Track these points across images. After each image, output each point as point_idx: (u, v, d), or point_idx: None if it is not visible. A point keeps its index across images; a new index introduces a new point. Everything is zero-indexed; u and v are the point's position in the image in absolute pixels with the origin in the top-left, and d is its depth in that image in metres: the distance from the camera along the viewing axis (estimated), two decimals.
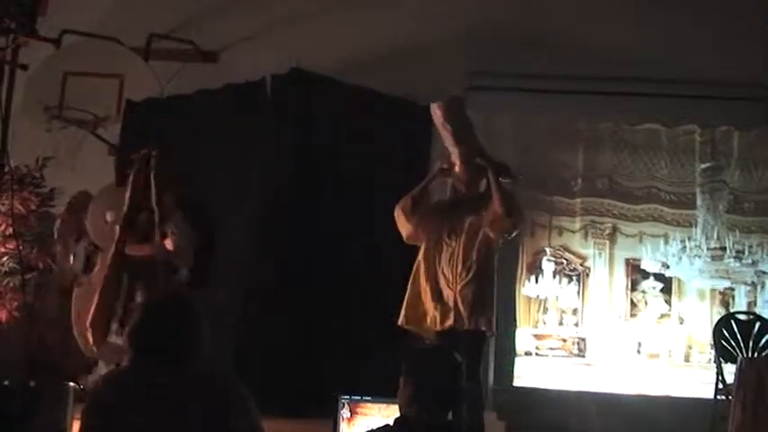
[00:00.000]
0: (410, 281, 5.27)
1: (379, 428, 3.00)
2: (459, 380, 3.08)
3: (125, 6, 7.49)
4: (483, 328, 5.06)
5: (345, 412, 4.78)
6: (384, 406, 4.63)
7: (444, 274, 5.13)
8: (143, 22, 7.41)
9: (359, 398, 4.80)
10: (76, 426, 4.41)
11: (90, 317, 5.60)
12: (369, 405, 4.79)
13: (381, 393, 4.52)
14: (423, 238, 5.26)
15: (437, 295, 5.13)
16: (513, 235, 5.26)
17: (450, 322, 5.04)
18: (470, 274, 5.05)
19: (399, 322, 5.23)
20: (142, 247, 5.71)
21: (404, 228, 5.26)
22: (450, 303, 5.06)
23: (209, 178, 6.82)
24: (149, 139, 6.35)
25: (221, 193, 6.78)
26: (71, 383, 4.94)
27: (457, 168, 5.30)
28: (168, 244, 5.62)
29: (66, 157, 6.85)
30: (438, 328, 5.06)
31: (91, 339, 5.59)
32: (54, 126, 7.10)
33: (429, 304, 5.14)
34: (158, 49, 7.45)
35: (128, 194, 5.81)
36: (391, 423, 3.01)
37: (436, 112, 5.35)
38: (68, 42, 7.30)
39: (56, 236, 6.27)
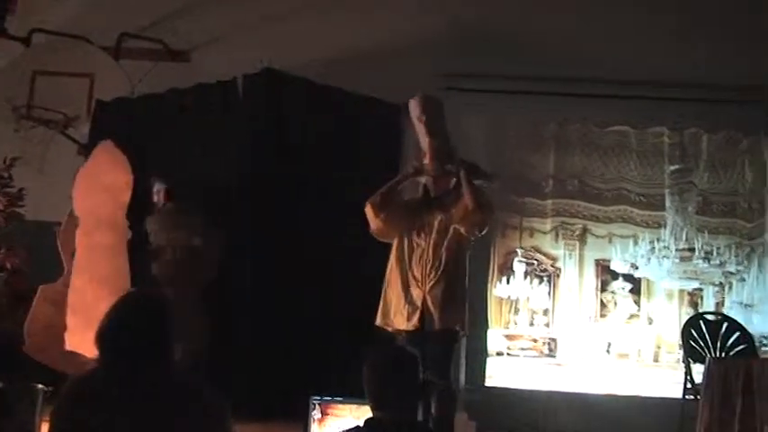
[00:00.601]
0: (385, 281, 5.27)
1: (349, 430, 3.00)
2: (418, 378, 3.07)
3: (95, 5, 7.44)
4: (456, 328, 5.06)
5: (317, 413, 4.77)
6: (355, 407, 4.63)
7: (414, 274, 5.12)
8: (113, 21, 7.36)
9: (330, 399, 4.80)
10: (45, 428, 4.38)
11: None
12: (340, 406, 4.79)
13: (353, 394, 4.52)
14: (392, 235, 5.25)
15: (407, 295, 5.12)
16: (484, 231, 5.25)
17: (416, 322, 5.03)
18: (439, 273, 5.05)
19: (377, 323, 5.22)
20: None
21: (373, 222, 5.25)
22: (419, 303, 5.05)
23: (179, 178, 6.77)
24: (119, 139, 6.33)
25: (193, 192, 6.74)
26: (39, 385, 4.89)
27: (427, 162, 5.29)
28: None
29: (34, 157, 6.80)
30: (409, 327, 5.06)
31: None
32: (23, 126, 7.03)
33: (400, 304, 5.13)
34: (129, 49, 7.41)
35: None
36: (361, 424, 3.01)
37: (413, 104, 5.36)
38: (38, 41, 7.25)
39: (59, 245, 6.18)
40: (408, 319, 5.05)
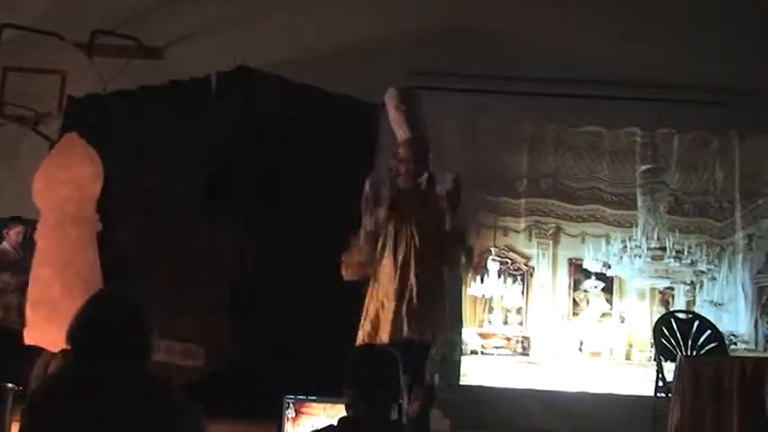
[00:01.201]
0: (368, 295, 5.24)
1: (323, 429, 3.00)
2: (396, 378, 3.08)
3: (68, 1, 7.37)
4: (429, 339, 5.05)
5: (290, 412, 4.75)
6: (329, 406, 4.60)
7: (395, 288, 5.10)
8: (86, 18, 7.30)
9: (304, 397, 4.78)
10: (15, 428, 4.34)
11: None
12: (314, 405, 4.76)
13: (327, 393, 4.51)
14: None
15: (390, 308, 5.10)
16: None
17: (394, 337, 5.02)
18: (415, 290, 5.04)
19: (358, 341, 5.18)
20: None
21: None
22: (402, 315, 5.04)
23: (151, 176, 6.75)
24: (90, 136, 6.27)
25: (166, 190, 6.72)
26: (9, 384, 4.83)
27: (401, 153, 5.27)
28: None
29: (5, 153, 6.73)
30: (393, 339, 5.05)
31: None
32: None
33: (384, 318, 5.12)
34: (102, 45, 7.35)
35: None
36: (335, 423, 3.01)
37: (392, 94, 5.35)
38: (8, 37, 7.17)
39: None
40: (392, 332, 5.04)
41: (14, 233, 6.63)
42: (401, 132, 5.27)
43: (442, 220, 5.07)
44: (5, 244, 6.67)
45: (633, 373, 7.00)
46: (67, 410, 2.48)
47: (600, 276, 7.27)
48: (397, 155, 5.24)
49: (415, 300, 5.01)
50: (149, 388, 2.58)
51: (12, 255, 6.63)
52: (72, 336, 2.63)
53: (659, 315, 6.73)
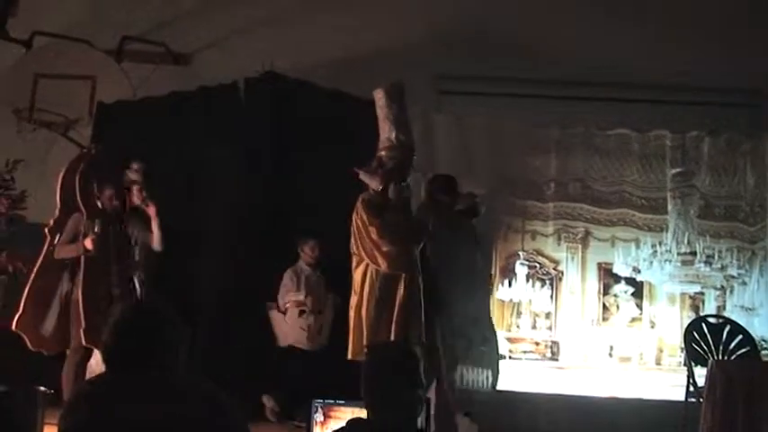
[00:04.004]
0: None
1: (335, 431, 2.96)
2: (418, 378, 2.90)
3: (97, 9, 7.45)
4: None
5: (319, 416, 4.76)
6: (358, 409, 4.61)
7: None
8: (115, 25, 7.38)
9: (332, 401, 4.79)
10: (47, 431, 4.38)
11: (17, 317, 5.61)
12: (342, 408, 4.77)
13: (356, 397, 4.51)
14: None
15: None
16: None
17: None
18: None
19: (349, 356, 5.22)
20: (69, 248, 5.63)
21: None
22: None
23: (182, 180, 6.80)
24: (121, 142, 6.33)
25: (197, 194, 6.77)
26: (41, 388, 4.88)
27: (383, 154, 5.31)
28: (88, 244, 5.53)
29: (36, 159, 6.79)
30: None
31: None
32: (25, 128, 7.04)
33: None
34: (131, 52, 7.42)
35: (57, 196, 5.79)
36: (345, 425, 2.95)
37: (379, 94, 5.39)
38: (39, 44, 7.25)
39: None
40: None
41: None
42: (384, 132, 5.31)
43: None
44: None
45: (663, 379, 6.93)
46: (109, 415, 2.51)
47: (630, 281, 7.21)
48: (380, 156, 5.28)
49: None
50: (191, 392, 2.61)
51: None
52: (105, 348, 2.67)
53: (689, 320, 6.69)
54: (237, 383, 5.18)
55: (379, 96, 5.41)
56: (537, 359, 7.07)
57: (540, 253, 7.25)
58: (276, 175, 6.84)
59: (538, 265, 7.23)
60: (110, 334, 2.68)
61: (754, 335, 6.37)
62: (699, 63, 7.20)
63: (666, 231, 7.26)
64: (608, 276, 7.23)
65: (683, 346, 6.48)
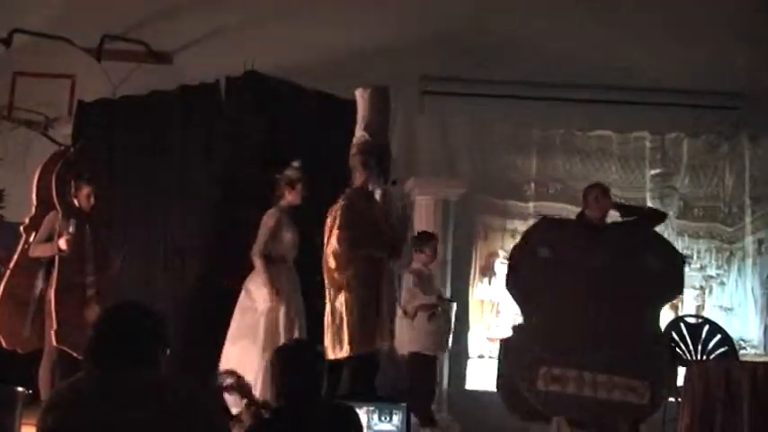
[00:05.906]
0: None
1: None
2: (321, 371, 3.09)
3: (77, 7, 7.39)
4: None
5: None
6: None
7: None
8: (96, 23, 7.32)
9: None
10: (24, 431, 4.34)
11: None
12: None
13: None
14: None
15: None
16: None
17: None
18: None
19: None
20: (44, 247, 5.60)
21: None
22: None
23: (161, 179, 6.78)
24: (101, 141, 6.30)
25: (176, 193, 6.75)
26: (19, 388, 4.84)
27: (355, 154, 5.35)
28: (62, 243, 5.49)
29: (15, 158, 6.75)
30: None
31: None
32: (3, 127, 6.99)
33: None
34: (111, 50, 7.37)
35: (33, 194, 5.77)
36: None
37: (363, 95, 5.42)
38: (19, 42, 7.20)
39: None
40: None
41: None
42: (359, 133, 5.34)
43: None
44: None
45: None
46: (90, 414, 2.50)
47: None
48: (354, 156, 5.31)
49: None
50: (172, 391, 2.60)
51: None
52: (87, 346, 2.67)
53: (669, 320, 6.72)
54: None
55: (358, 96, 5.44)
56: None
57: None
58: (258, 175, 6.81)
59: None
60: (95, 331, 2.68)
61: (732, 335, 6.41)
62: (679, 65, 7.25)
63: None
64: None
65: None
